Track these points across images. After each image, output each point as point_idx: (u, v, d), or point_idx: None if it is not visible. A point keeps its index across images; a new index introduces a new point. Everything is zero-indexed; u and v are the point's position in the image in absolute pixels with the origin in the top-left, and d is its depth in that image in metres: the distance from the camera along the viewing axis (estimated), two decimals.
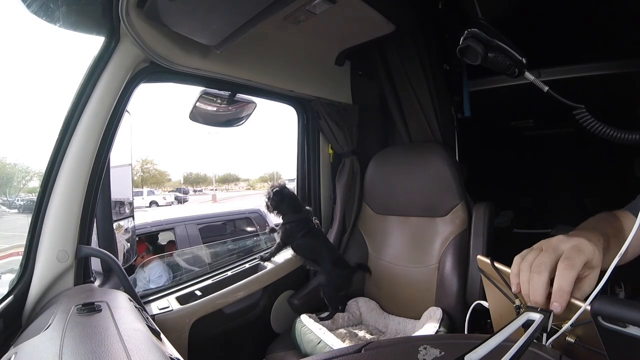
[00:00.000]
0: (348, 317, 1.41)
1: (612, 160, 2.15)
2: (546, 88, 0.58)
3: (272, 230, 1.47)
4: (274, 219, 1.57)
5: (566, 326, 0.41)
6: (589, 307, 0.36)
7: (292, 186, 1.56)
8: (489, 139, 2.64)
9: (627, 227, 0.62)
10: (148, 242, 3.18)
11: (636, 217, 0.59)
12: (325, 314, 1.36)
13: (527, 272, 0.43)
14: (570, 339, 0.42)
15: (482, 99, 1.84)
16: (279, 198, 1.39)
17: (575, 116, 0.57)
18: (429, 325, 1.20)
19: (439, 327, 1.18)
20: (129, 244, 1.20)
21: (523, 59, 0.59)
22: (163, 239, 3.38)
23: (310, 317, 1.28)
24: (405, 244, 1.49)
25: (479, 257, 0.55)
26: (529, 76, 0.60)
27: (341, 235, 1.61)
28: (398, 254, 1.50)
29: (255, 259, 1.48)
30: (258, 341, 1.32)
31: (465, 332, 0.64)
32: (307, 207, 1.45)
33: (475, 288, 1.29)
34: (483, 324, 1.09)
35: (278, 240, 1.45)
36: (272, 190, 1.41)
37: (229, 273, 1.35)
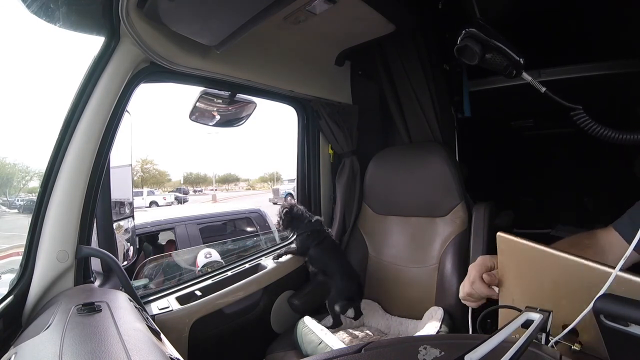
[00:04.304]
0: (349, 319, 1.41)
1: (612, 160, 2.15)
2: (543, 89, 0.58)
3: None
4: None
5: (568, 328, 0.41)
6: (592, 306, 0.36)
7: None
8: (489, 138, 2.64)
9: (604, 241, 0.63)
10: (148, 241, 3.17)
11: (620, 232, 0.60)
12: (328, 318, 1.35)
13: None
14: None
15: (482, 99, 1.84)
16: (289, 217, 1.45)
17: (572, 117, 0.57)
18: (431, 325, 1.20)
19: (441, 327, 1.18)
20: (129, 244, 1.20)
21: (521, 60, 0.58)
22: (163, 238, 3.37)
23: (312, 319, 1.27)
24: (406, 244, 1.49)
25: (499, 234, 0.52)
26: (526, 77, 0.59)
27: (341, 235, 1.61)
28: (398, 254, 1.49)
29: (255, 258, 1.48)
30: (258, 341, 1.32)
31: (470, 331, 0.65)
32: (318, 218, 1.47)
33: None
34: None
35: (293, 246, 1.49)
36: (283, 210, 1.46)
37: (229, 273, 1.35)
